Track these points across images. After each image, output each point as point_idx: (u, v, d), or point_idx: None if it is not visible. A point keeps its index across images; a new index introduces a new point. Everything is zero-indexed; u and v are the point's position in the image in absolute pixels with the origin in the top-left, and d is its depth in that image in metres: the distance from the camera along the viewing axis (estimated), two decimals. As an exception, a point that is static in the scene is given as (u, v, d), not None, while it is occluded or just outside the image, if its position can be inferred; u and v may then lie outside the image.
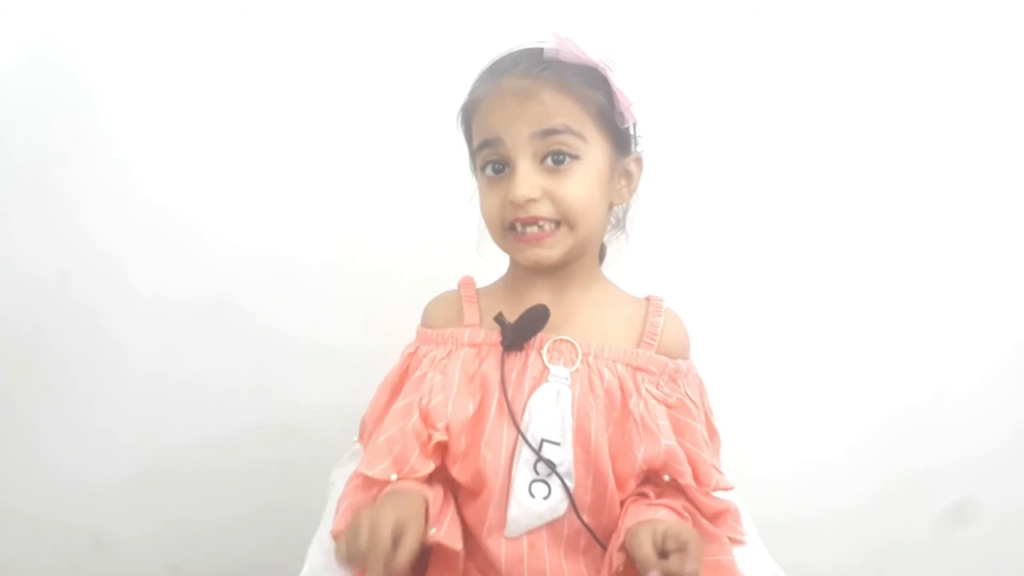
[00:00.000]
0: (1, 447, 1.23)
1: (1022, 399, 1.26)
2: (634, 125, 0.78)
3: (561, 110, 0.72)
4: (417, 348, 0.81)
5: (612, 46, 0.75)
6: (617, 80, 0.74)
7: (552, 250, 0.74)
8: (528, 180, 0.72)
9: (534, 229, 0.74)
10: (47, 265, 1.18)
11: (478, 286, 0.85)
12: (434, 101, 1.10)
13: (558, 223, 0.74)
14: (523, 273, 0.80)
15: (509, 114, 0.73)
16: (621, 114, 0.75)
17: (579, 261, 0.79)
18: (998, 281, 1.23)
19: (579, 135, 0.73)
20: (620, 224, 0.85)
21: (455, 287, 0.85)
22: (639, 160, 0.80)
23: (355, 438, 0.85)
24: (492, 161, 0.75)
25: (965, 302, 1.23)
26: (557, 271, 0.78)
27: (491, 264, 0.84)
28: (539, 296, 0.79)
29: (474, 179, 0.82)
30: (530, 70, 0.73)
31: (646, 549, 0.65)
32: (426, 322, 0.84)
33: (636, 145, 0.80)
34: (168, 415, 1.22)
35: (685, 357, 0.82)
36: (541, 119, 0.72)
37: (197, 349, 1.20)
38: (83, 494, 1.23)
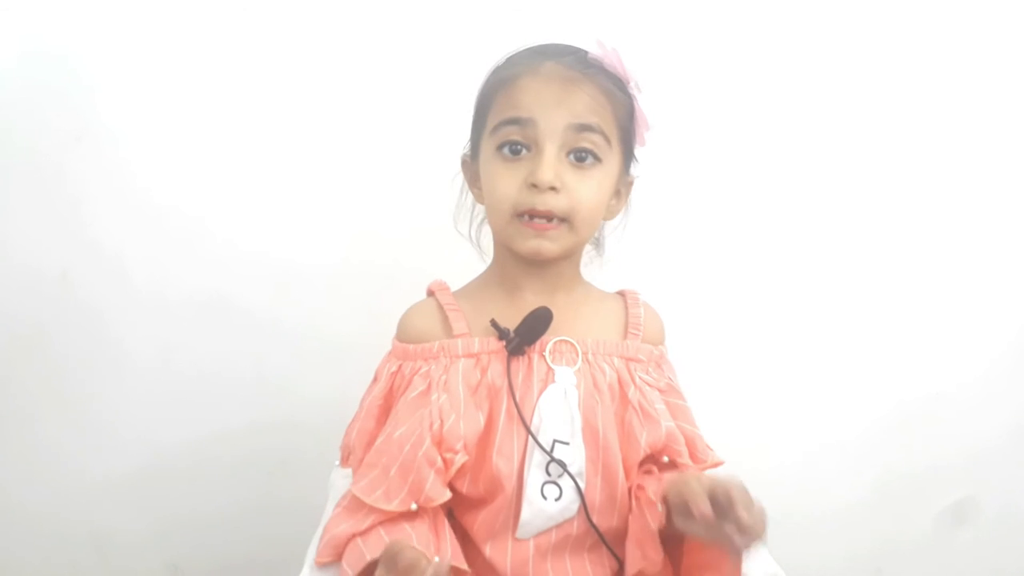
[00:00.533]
0: (1, 443, 1.23)
1: (1022, 397, 1.26)
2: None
3: (599, 110, 0.73)
4: (400, 366, 0.78)
5: (638, 63, 0.76)
6: (641, 103, 0.76)
7: (553, 243, 0.74)
8: (553, 167, 0.71)
9: (542, 221, 0.73)
10: (48, 261, 1.17)
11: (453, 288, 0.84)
12: (434, 99, 1.12)
13: (563, 220, 0.74)
14: (512, 272, 0.80)
15: (552, 98, 0.72)
16: (637, 134, 0.78)
17: (568, 261, 0.80)
18: (997, 279, 1.23)
19: (607, 140, 0.74)
20: (598, 243, 0.87)
21: (429, 293, 0.84)
22: (631, 184, 0.82)
23: (336, 462, 0.84)
24: (512, 141, 0.73)
25: (964, 299, 1.24)
26: (546, 271, 0.79)
27: (483, 258, 0.85)
28: (527, 297, 0.79)
29: (467, 155, 0.82)
30: (576, 65, 0.73)
31: (695, 486, 0.63)
32: (404, 337, 0.80)
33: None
34: (169, 412, 1.22)
35: (663, 344, 0.84)
36: (582, 112, 0.72)
37: (198, 345, 1.20)
38: (83, 490, 1.23)
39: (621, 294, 0.85)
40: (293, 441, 1.21)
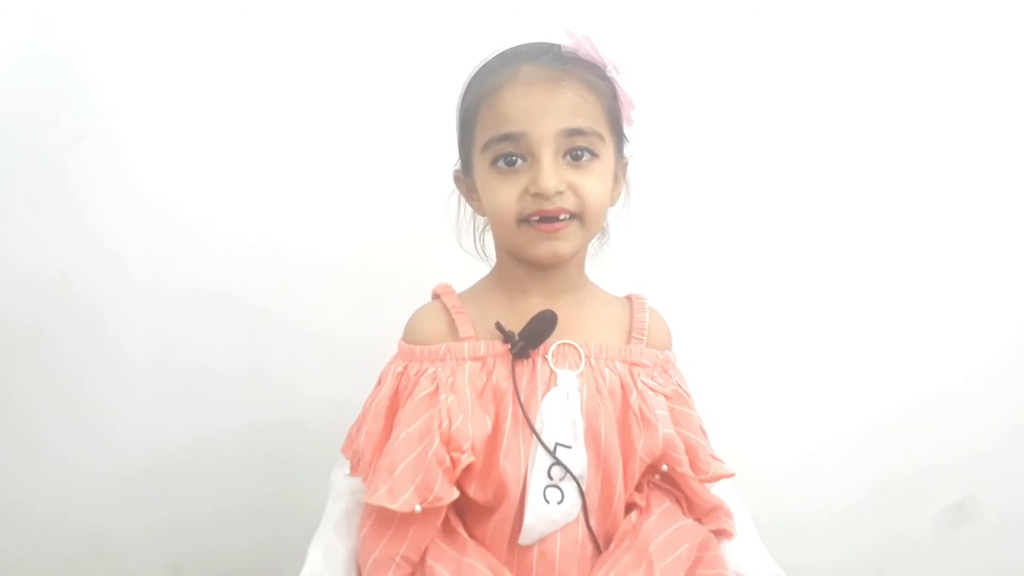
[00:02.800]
0: (1, 443, 1.23)
1: (1022, 397, 1.26)
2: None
3: (585, 108, 0.72)
4: (406, 367, 0.77)
5: (614, 46, 0.75)
6: (622, 83, 0.75)
7: (567, 242, 0.74)
8: (555, 173, 0.71)
9: (553, 222, 0.73)
10: (48, 261, 1.18)
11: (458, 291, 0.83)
12: (435, 96, 1.10)
13: (574, 216, 0.73)
14: (515, 275, 0.79)
15: (537, 106, 0.71)
16: (624, 116, 0.76)
17: (574, 262, 0.80)
18: (997, 279, 1.23)
19: (600, 136, 0.73)
20: (603, 231, 0.85)
21: (435, 296, 0.83)
22: (625, 166, 0.81)
23: (338, 460, 0.83)
24: (506, 155, 0.73)
25: (964, 300, 1.23)
26: (553, 274, 0.78)
27: (488, 263, 0.85)
28: (531, 300, 0.78)
29: (459, 171, 0.82)
30: (553, 63, 0.72)
31: None
32: (411, 338, 0.80)
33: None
34: (169, 411, 1.22)
35: (670, 349, 0.83)
36: (569, 116, 0.71)
37: (197, 345, 1.20)
38: (83, 491, 1.23)
39: (628, 298, 0.84)
40: (293, 441, 1.21)
